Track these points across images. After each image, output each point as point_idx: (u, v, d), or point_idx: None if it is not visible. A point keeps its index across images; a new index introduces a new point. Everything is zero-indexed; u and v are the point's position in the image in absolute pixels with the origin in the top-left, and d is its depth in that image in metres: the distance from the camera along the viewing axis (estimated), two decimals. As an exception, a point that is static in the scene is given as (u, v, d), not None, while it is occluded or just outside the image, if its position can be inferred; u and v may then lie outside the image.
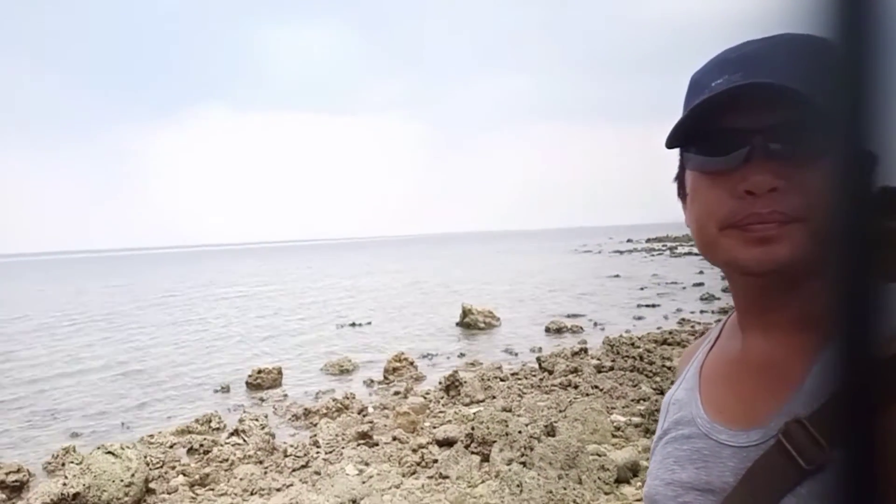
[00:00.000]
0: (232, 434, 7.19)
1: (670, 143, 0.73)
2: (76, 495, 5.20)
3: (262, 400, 9.12)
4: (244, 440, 6.98)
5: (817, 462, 0.61)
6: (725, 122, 0.67)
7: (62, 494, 5.19)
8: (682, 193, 0.77)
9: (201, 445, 6.87)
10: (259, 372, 10.17)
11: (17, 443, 7.70)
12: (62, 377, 11.67)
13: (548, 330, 13.81)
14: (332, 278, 36.07)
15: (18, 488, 5.78)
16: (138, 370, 12.05)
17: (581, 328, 13.85)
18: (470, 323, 14.68)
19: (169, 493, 5.77)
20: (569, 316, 15.47)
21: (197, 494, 5.74)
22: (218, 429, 7.68)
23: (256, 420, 7.46)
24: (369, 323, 16.43)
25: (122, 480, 5.40)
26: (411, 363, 10.29)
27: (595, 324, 14.42)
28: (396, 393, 8.90)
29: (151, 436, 7.38)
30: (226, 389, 9.96)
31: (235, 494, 5.68)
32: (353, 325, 16.26)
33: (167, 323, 18.82)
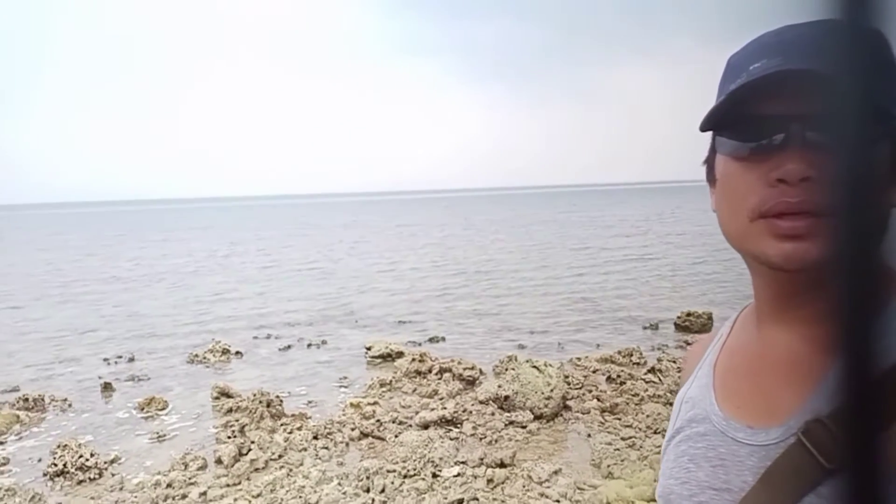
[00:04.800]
0: (649, 371, 7.43)
1: (705, 127, 0.71)
2: (507, 397, 6.25)
3: (686, 343, 9.07)
4: (659, 379, 7.16)
5: (839, 461, 0.59)
6: (762, 108, 0.65)
7: (497, 394, 6.30)
8: (711, 178, 0.76)
9: (618, 376, 7.32)
10: (688, 315, 10.08)
11: (477, 346, 9.52)
12: (524, 297, 13.75)
13: None
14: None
15: (471, 382, 7.22)
16: (585, 298, 13.29)
17: None
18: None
19: (583, 413, 6.40)
20: None
21: (605, 420, 6.21)
22: (638, 363, 8.01)
23: (674, 362, 7.53)
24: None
25: (542, 392, 6.23)
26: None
27: None
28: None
29: (579, 358, 8.19)
30: (654, 327, 10.22)
31: (639, 429, 5.94)
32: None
33: (617, 259, 20.05)
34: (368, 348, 9.02)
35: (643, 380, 7.12)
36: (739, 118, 0.67)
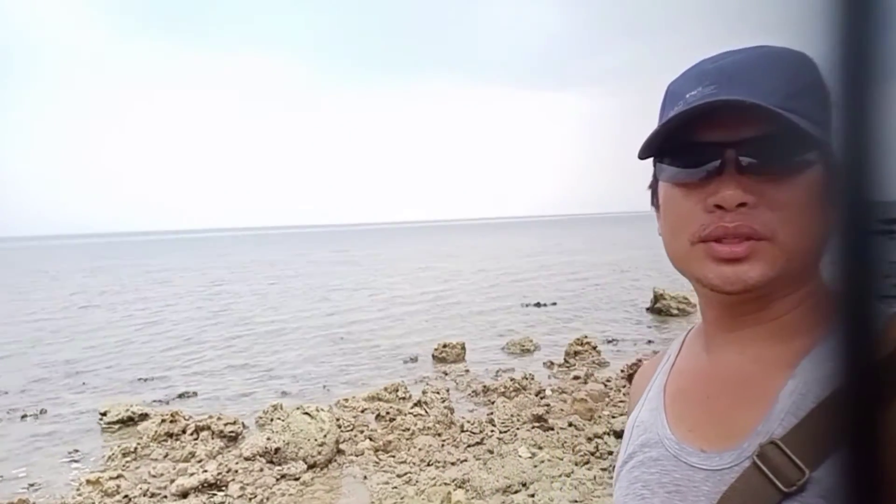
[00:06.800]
0: (415, 405, 7.56)
1: (643, 154, 0.72)
2: (277, 450, 5.85)
3: (445, 373, 9.49)
4: (426, 412, 7.33)
5: (795, 484, 0.59)
6: (699, 135, 0.66)
7: (266, 448, 5.86)
8: (655, 203, 0.77)
9: (388, 413, 7.33)
10: (444, 346, 10.59)
11: (236, 398, 8.83)
12: (285, 341, 13.18)
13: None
14: (543, 256, 36.36)
15: (234, 438, 6.64)
16: (343, 338, 13.18)
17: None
18: (661, 309, 13.88)
19: (357, 456, 6.25)
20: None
21: (380, 459, 6.15)
22: (404, 398, 8.13)
23: (438, 393, 7.79)
24: (555, 304, 16.29)
25: (315, 440, 5.96)
26: (594, 347, 10.01)
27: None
28: (576, 377, 8.72)
29: (346, 400, 8.04)
30: (414, 360, 10.52)
31: (413, 464, 5.98)
32: (539, 304, 16.24)
33: (374, 294, 20.39)
34: (103, 414, 7.79)
35: (411, 414, 7.23)
36: (677, 145, 0.68)
